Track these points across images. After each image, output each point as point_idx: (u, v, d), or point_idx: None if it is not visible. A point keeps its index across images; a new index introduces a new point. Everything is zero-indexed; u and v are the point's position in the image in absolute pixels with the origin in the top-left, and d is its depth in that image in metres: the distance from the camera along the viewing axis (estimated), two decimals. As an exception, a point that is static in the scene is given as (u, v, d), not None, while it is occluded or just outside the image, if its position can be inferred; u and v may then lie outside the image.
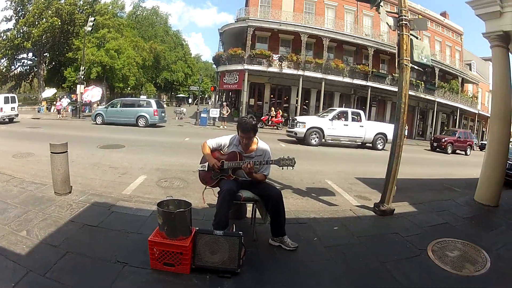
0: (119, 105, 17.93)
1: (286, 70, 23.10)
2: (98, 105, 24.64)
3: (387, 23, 4.65)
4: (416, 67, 4.94)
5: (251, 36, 23.13)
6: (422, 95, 26.39)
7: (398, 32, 4.49)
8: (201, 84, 30.81)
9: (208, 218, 3.58)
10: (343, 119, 14.90)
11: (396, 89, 5.08)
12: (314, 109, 24.76)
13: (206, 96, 66.86)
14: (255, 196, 3.29)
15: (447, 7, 66.15)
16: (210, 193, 3.58)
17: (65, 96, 25.75)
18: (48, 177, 4.53)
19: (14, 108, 16.04)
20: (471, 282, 2.89)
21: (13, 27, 29.47)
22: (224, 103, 23.21)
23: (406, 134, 18.34)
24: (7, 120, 15.53)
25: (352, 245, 3.50)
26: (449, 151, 19.00)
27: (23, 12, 29.34)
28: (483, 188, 5.44)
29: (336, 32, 24.31)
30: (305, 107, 25.18)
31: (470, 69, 33.61)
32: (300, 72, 22.92)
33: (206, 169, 3.43)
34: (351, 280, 2.83)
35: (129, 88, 39.29)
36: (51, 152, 4.31)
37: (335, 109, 15.99)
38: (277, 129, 21.26)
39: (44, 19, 28.08)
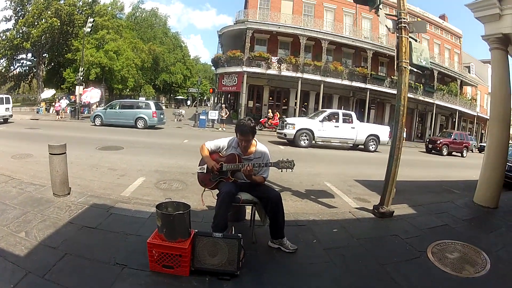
0: (118, 107, 17.90)
1: (285, 73, 23.13)
2: (97, 106, 24.63)
3: (386, 25, 4.65)
4: (415, 70, 4.95)
5: (250, 38, 23.15)
6: (421, 98, 26.46)
7: (397, 34, 4.51)
8: (200, 86, 30.88)
9: (207, 220, 3.57)
10: (334, 120, 14.68)
11: (395, 92, 5.10)
12: (313, 112, 24.76)
13: (205, 98, 66.93)
14: (254, 198, 3.28)
15: (446, 9, 66.63)
16: (209, 195, 3.57)
17: (64, 97, 25.69)
18: (47, 178, 4.51)
19: (8, 108, 16.25)
20: (471, 284, 2.89)
21: (12, 27, 29.51)
22: (223, 105, 23.22)
23: (404, 136, 18.35)
24: (2, 120, 15.68)
25: (351, 247, 3.49)
26: (445, 153, 18.72)
27: (22, 12, 29.38)
28: (482, 190, 5.44)
29: (335, 35, 24.35)
30: (304, 109, 25.19)
31: (469, 72, 33.78)
32: (299, 75, 22.97)
33: (205, 171, 3.42)
34: (351, 282, 2.82)
35: (128, 90, 39.29)
36: (49, 153, 4.29)
37: (325, 111, 15.86)
38: (276, 131, 21.25)
39: (43, 20, 28.13)
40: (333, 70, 23.62)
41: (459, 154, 19.76)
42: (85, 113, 23.92)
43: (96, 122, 17.31)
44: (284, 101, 26.12)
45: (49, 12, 28.11)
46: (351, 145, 15.31)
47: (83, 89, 23.31)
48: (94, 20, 25.56)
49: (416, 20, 21.35)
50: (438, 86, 28.06)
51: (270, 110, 23.16)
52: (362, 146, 15.17)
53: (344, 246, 3.48)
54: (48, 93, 28.88)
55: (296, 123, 14.19)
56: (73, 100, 24.96)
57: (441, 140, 19.17)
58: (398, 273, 2.96)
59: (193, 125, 21.44)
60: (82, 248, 2.94)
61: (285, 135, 14.18)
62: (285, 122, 14.54)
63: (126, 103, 19.17)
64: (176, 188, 5.62)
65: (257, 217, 3.47)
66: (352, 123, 14.89)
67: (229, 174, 3.31)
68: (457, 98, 29.27)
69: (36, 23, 28.30)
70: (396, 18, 4.52)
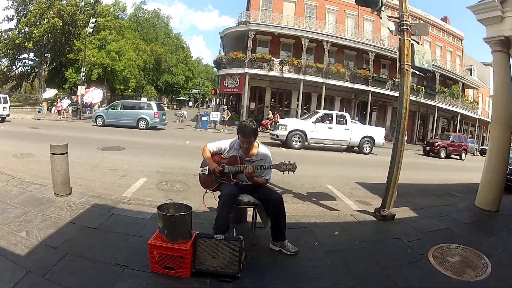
0: (119, 107, 17.94)
1: (287, 74, 23.17)
2: (99, 106, 24.66)
3: (388, 28, 4.65)
4: (417, 72, 4.94)
5: (252, 40, 23.22)
6: (422, 100, 26.44)
7: (399, 37, 4.50)
8: (202, 87, 30.90)
9: (208, 222, 3.57)
10: (327, 121, 14.48)
11: (397, 94, 5.09)
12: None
13: (207, 99, 67.02)
14: (256, 200, 3.28)
15: (448, 12, 66.51)
16: (210, 196, 3.56)
17: (65, 97, 25.79)
18: (48, 178, 4.52)
19: (6, 108, 16.44)
20: (472, 287, 2.88)
21: (14, 27, 29.58)
22: (225, 107, 23.24)
23: (405, 139, 18.15)
24: None
25: (353, 250, 3.48)
26: (443, 156, 18.23)
27: (24, 12, 29.45)
28: (483, 193, 5.43)
29: (337, 37, 24.40)
30: (305, 111, 25.19)
31: (471, 74, 33.73)
32: (301, 77, 23.00)
33: (207, 173, 3.42)
34: (352, 285, 2.81)
35: (129, 90, 39.41)
36: (51, 153, 4.30)
37: (319, 112, 15.75)
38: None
39: (45, 20, 28.20)
40: (335, 72, 23.66)
41: (458, 157, 19.31)
42: (87, 113, 23.99)
43: (97, 123, 17.34)
44: (286, 103, 26.15)
45: (51, 12, 28.20)
46: (345, 147, 15.17)
47: (85, 89, 23.39)
48: (96, 21, 25.65)
49: (418, 22, 21.40)
50: (440, 88, 28.05)
51: (270, 112, 23.16)
52: (357, 148, 15.02)
53: (345, 249, 3.47)
54: (50, 93, 28.98)
55: (288, 124, 14.01)
56: (75, 100, 25.01)
57: (439, 143, 18.75)
58: (399, 276, 2.95)
59: (195, 126, 21.47)
60: (83, 248, 2.94)
61: (277, 136, 13.99)
62: (277, 123, 14.44)
63: (128, 103, 19.19)
64: (177, 189, 5.62)
65: (258, 219, 3.46)
66: (346, 124, 14.68)
67: (230, 176, 3.30)
68: (458, 101, 29.22)
69: (38, 23, 28.36)
70: (398, 20, 4.52)
